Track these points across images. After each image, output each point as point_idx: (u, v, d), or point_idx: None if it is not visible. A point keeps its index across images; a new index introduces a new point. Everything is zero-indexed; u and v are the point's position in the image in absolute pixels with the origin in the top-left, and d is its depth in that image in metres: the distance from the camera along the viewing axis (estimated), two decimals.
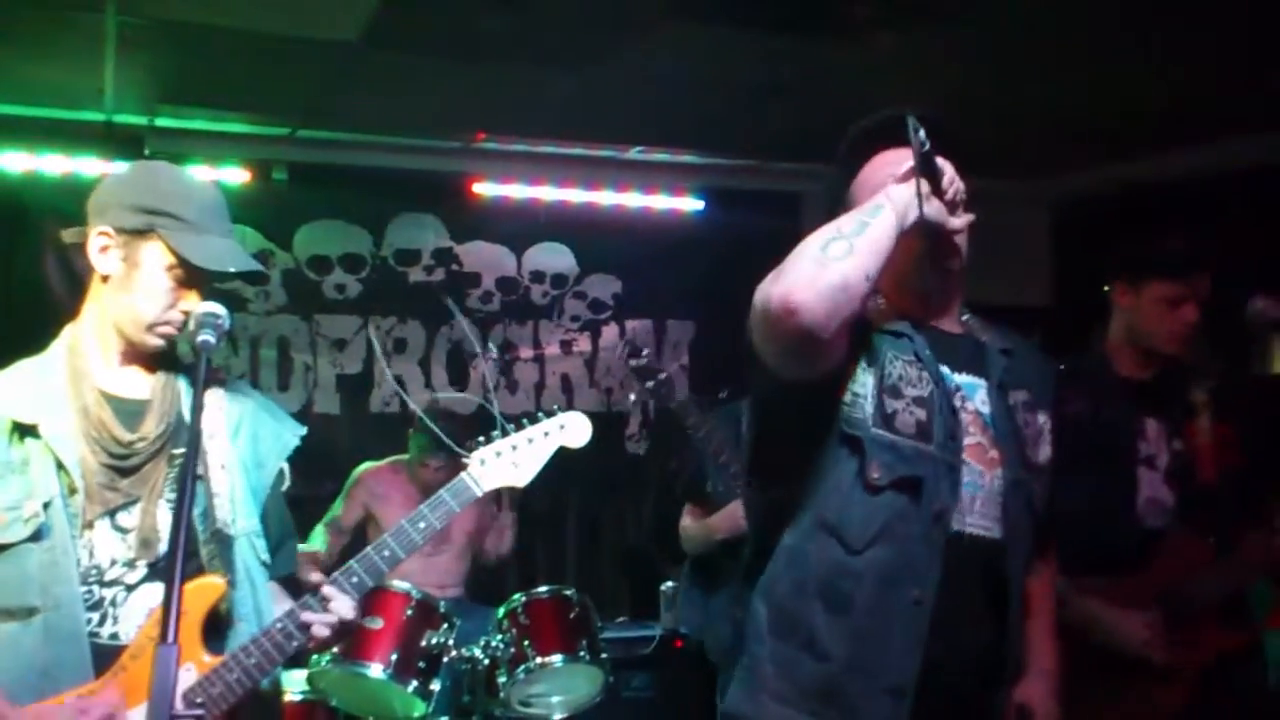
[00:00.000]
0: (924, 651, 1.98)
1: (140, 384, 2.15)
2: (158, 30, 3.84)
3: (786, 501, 2.09)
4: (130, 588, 2.06)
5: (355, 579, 2.17)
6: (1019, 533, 2.12)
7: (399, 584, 3.67)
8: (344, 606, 2.12)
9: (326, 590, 2.12)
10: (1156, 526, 2.92)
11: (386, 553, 2.22)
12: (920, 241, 2.02)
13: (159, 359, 2.17)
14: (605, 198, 5.83)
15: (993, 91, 4.58)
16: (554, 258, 6.01)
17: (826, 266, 1.85)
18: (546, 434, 2.41)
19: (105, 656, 2.02)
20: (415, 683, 3.55)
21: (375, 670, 3.50)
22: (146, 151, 4.92)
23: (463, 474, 2.36)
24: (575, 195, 5.80)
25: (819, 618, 2.02)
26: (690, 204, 5.90)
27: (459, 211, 5.77)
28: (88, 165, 4.83)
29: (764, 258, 1.96)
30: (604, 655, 3.80)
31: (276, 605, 2.19)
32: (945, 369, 2.10)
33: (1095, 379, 3.01)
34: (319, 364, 5.57)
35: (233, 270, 2.09)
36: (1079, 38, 3.98)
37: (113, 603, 2.05)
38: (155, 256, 2.08)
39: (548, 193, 5.75)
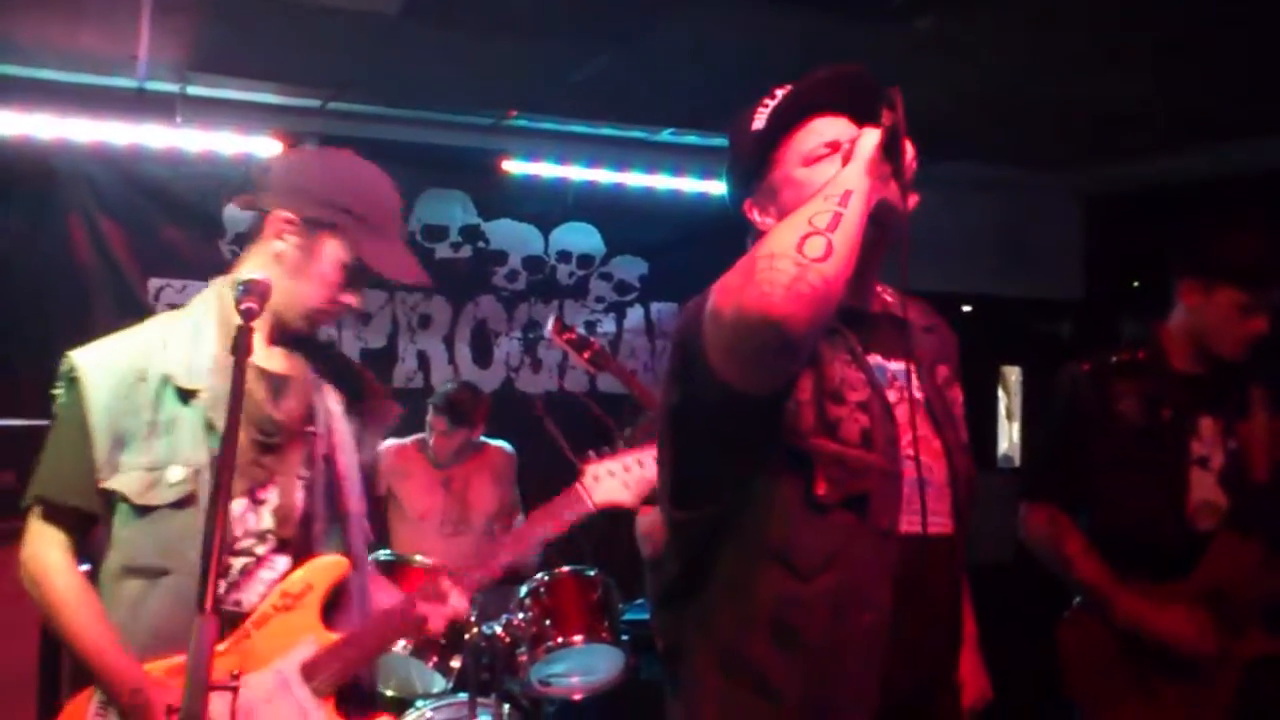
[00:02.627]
0: (882, 678, 1.83)
1: (283, 361, 2.18)
2: None
3: (718, 520, 1.90)
4: (258, 559, 2.10)
5: (479, 575, 2.28)
6: (965, 519, 1.99)
7: (421, 559, 3.67)
8: (460, 604, 2.19)
9: (444, 586, 2.18)
10: (1207, 529, 2.86)
11: (505, 558, 2.35)
12: (870, 226, 1.78)
13: (298, 338, 2.20)
14: (634, 179, 5.79)
15: (1028, 81, 4.53)
16: (581, 238, 5.99)
17: (808, 270, 1.63)
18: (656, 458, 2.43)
19: (227, 623, 2.05)
20: (435, 659, 3.55)
21: (396, 645, 3.49)
22: (177, 119, 4.91)
23: (577, 485, 2.51)
24: (604, 176, 5.76)
25: (768, 655, 1.85)
26: (720, 188, 5.83)
27: (487, 189, 5.74)
28: (118, 132, 4.82)
29: None
30: (625, 637, 3.78)
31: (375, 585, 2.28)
32: (879, 358, 1.95)
33: (1151, 376, 2.93)
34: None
35: (408, 281, 2.15)
36: (1118, 28, 3.93)
37: (242, 571, 2.08)
38: (334, 251, 2.11)
39: (577, 173, 5.72)
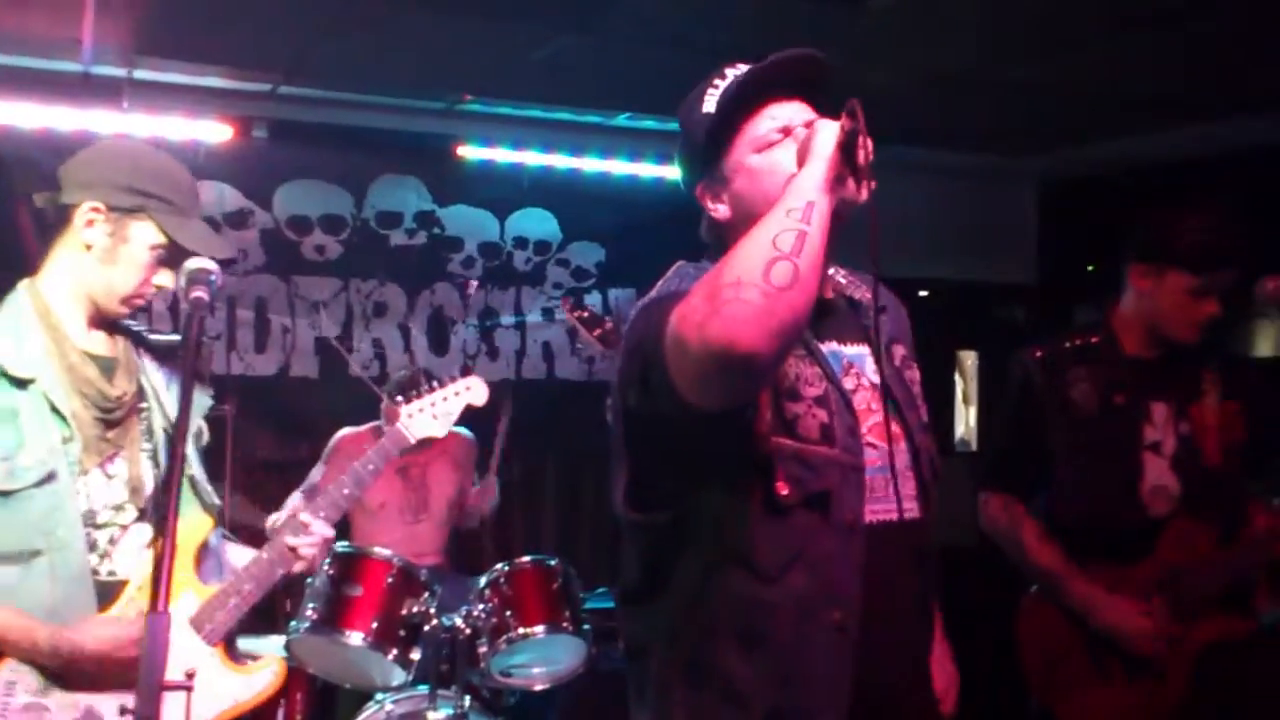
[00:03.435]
0: (853, 679, 1.81)
1: (107, 344, 2.29)
2: None
3: (675, 525, 1.87)
4: (122, 528, 2.21)
5: (322, 513, 2.48)
6: (931, 500, 1.98)
7: (380, 551, 3.62)
8: (322, 527, 2.41)
9: (303, 517, 2.40)
10: (1161, 514, 2.87)
11: (345, 490, 2.59)
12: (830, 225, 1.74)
13: (115, 322, 2.32)
14: (591, 164, 5.75)
15: (983, 64, 4.54)
16: (537, 224, 5.95)
17: (776, 301, 1.57)
18: (457, 393, 3.02)
19: (107, 591, 2.17)
20: (395, 651, 3.50)
21: (354, 639, 3.45)
22: (124, 104, 4.81)
23: (396, 424, 2.89)
24: (561, 161, 5.71)
25: (735, 662, 1.82)
26: (677, 173, 5.80)
27: (442, 175, 5.69)
28: (64, 117, 4.71)
29: None
30: (586, 627, 3.76)
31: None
32: (835, 344, 1.94)
33: (1103, 361, 2.94)
34: (297, 326, 5.49)
35: (220, 257, 2.24)
36: (1073, 10, 3.93)
37: (110, 542, 2.19)
38: (144, 235, 2.22)
39: (533, 158, 5.67)
